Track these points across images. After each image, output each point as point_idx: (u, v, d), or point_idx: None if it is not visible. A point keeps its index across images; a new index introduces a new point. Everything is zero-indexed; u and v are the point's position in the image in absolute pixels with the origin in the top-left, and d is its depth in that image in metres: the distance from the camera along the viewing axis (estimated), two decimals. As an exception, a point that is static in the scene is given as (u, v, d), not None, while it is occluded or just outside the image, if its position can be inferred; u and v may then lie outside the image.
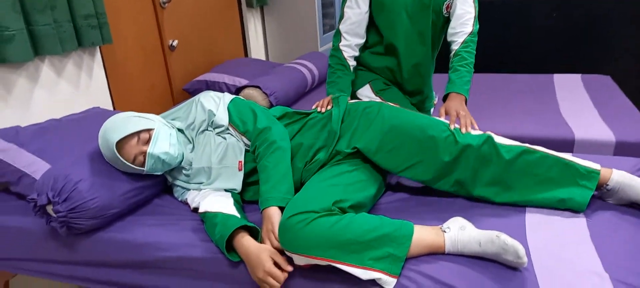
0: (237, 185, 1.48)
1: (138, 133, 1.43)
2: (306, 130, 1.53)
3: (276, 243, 1.20)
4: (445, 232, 1.18)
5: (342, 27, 1.79)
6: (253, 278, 1.21)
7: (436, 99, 2.51)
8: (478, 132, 1.41)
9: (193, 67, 2.90)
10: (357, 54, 1.81)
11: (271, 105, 2.47)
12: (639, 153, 1.82)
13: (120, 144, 1.41)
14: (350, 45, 1.78)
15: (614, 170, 1.31)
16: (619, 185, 1.29)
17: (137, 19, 2.42)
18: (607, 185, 1.30)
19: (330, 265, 1.13)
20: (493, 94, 2.68)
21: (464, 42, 1.65)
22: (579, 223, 1.27)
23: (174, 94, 2.73)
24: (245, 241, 1.24)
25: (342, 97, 1.59)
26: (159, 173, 1.52)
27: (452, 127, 1.38)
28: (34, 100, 1.84)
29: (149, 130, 1.45)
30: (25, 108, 1.81)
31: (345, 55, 1.78)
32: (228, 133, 1.51)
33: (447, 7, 1.72)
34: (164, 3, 2.57)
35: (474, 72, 3.08)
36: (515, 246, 1.07)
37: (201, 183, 1.51)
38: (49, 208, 1.35)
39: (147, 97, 2.52)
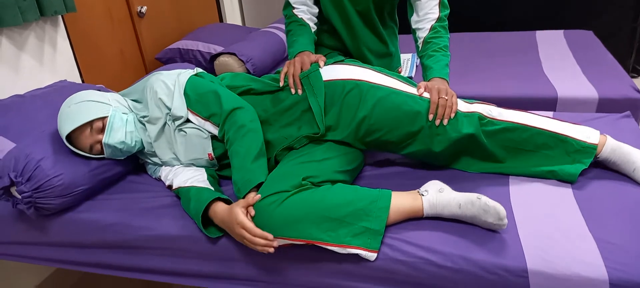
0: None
1: (90, 123, 1.35)
2: (280, 116, 1.39)
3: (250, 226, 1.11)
4: (423, 195, 1.17)
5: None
6: (238, 240, 1.15)
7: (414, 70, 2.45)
8: (469, 108, 1.33)
9: (165, 34, 2.79)
10: (313, 16, 1.70)
11: (248, 73, 2.39)
12: (622, 110, 1.80)
13: (72, 135, 1.35)
14: (302, 10, 1.69)
15: (608, 140, 1.27)
16: (611, 157, 1.26)
17: (102, -15, 2.29)
18: (598, 157, 1.27)
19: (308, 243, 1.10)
20: (473, 54, 2.63)
21: (432, 28, 1.53)
22: (563, 183, 1.26)
23: (146, 63, 2.63)
24: (218, 208, 1.19)
25: (313, 75, 1.39)
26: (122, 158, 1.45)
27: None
28: (-6, 75, 1.75)
29: (102, 119, 1.36)
30: (-15, 84, 1.72)
31: (299, 15, 1.68)
32: (188, 125, 1.36)
33: None
34: (131, -33, 2.44)
35: (452, 32, 3.02)
36: (497, 208, 1.06)
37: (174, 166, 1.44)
38: (13, 190, 1.29)
39: (118, 68, 2.42)
